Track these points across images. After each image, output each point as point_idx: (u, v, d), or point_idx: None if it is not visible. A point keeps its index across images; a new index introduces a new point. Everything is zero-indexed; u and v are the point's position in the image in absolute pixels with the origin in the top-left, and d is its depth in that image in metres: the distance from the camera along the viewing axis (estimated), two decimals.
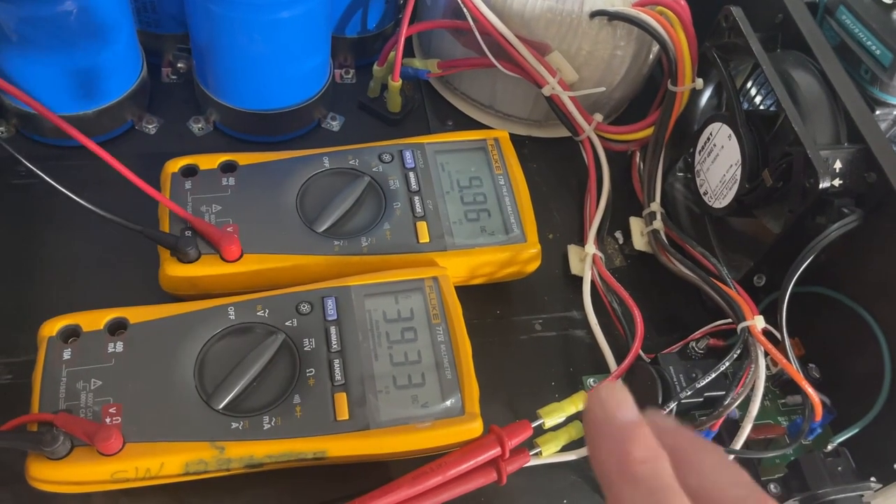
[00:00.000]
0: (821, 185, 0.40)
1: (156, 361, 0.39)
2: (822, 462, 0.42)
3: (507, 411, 0.45)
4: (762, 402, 0.47)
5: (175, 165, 0.46)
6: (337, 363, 0.40)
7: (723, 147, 0.47)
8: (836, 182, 0.41)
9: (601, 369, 0.47)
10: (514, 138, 0.57)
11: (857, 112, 0.43)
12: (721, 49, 0.49)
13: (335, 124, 0.55)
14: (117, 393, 0.38)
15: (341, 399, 0.39)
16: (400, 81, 0.53)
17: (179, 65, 0.54)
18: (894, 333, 0.42)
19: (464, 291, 0.48)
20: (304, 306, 0.42)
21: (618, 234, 0.54)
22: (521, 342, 0.49)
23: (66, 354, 0.39)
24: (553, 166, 0.57)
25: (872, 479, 0.42)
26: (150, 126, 0.53)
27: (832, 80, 0.45)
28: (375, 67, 0.54)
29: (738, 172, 0.46)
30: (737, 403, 0.40)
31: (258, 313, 0.41)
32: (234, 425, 0.38)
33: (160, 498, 0.39)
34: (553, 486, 0.43)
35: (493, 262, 0.46)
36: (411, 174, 0.48)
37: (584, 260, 0.51)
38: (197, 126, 0.53)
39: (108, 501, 0.39)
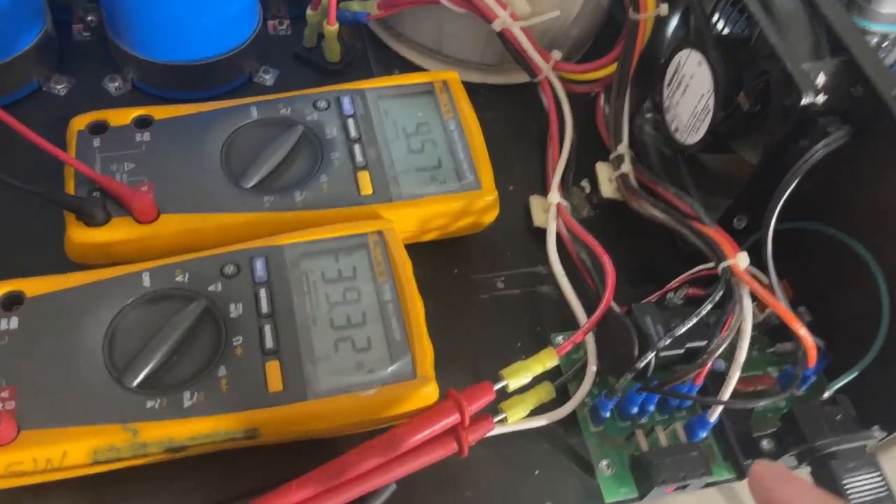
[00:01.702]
0: (803, 102, 0.36)
1: (57, 337, 0.34)
2: (819, 411, 0.37)
3: (470, 376, 0.40)
4: (750, 352, 0.43)
5: (81, 122, 0.41)
6: (268, 329, 0.35)
7: (692, 76, 0.43)
8: (820, 99, 0.37)
9: (570, 326, 0.42)
10: (468, 86, 0.52)
11: (839, 21, 0.38)
12: None
13: (268, 78, 0.50)
14: (11, 375, 0.33)
15: (273, 368, 0.34)
16: (337, 26, 0.48)
17: (89, 18, 0.49)
18: (891, 264, 0.38)
19: (417, 249, 0.43)
20: (229, 268, 0.37)
21: (584, 184, 0.50)
22: (483, 302, 0.44)
23: None
24: (512, 115, 0.52)
25: (876, 427, 0.38)
26: (59, 87, 0.47)
27: None
28: (309, 12, 0.49)
29: (711, 100, 0.42)
30: (721, 349, 0.35)
31: (177, 279, 0.36)
32: (150, 404, 0.33)
33: (70, 493, 0.34)
34: (524, 456, 0.39)
35: (445, 213, 0.42)
36: (350, 121, 0.43)
37: (548, 210, 0.46)
38: (113, 85, 0.48)
39: (8, 501, 0.34)
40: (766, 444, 0.39)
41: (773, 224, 0.37)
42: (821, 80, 0.37)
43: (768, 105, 0.38)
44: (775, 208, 0.37)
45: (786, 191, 0.36)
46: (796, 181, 0.36)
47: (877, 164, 0.38)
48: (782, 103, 0.37)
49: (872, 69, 0.36)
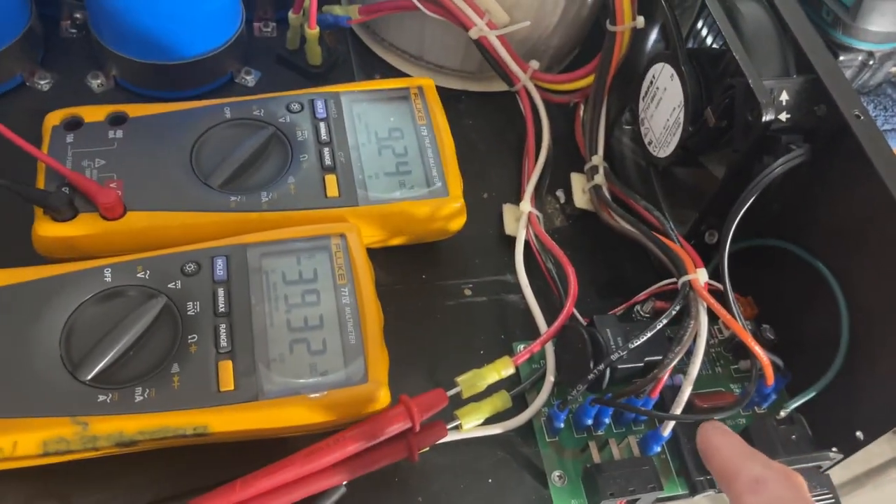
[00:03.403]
0: (764, 118, 0.36)
1: (15, 330, 0.35)
2: (773, 429, 0.37)
3: (428, 383, 0.41)
4: (713, 369, 0.43)
5: (56, 118, 0.42)
6: (223, 328, 0.35)
7: (665, 89, 0.43)
8: (783, 116, 0.37)
9: (536, 335, 0.42)
10: (450, 93, 0.53)
11: (807, 40, 0.38)
12: None
13: (250, 79, 0.50)
14: None
15: (226, 368, 0.34)
16: (317, 30, 0.49)
17: (77, 14, 0.50)
18: (850, 284, 0.38)
19: (386, 253, 0.44)
20: (189, 266, 0.37)
21: (559, 193, 0.50)
22: (448, 308, 0.44)
23: None
24: (491, 123, 0.53)
25: (833, 449, 0.38)
26: (42, 82, 0.48)
27: (780, 9, 0.40)
28: (291, 15, 0.50)
29: (682, 115, 0.42)
30: (674, 363, 0.35)
31: (138, 275, 0.37)
32: (102, 398, 0.33)
33: (24, 483, 0.35)
34: (478, 463, 0.39)
35: (411, 219, 0.42)
36: (322, 124, 0.43)
37: (519, 219, 0.46)
38: (96, 82, 0.48)
39: None
40: None
41: (729, 239, 0.37)
42: (784, 97, 0.37)
43: (734, 120, 0.38)
44: (732, 224, 0.36)
45: (743, 206, 0.36)
46: (754, 197, 0.36)
47: (839, 183, 0.37)
48: (745, 119, 0.37)
49: (836, 88, 0.36)
